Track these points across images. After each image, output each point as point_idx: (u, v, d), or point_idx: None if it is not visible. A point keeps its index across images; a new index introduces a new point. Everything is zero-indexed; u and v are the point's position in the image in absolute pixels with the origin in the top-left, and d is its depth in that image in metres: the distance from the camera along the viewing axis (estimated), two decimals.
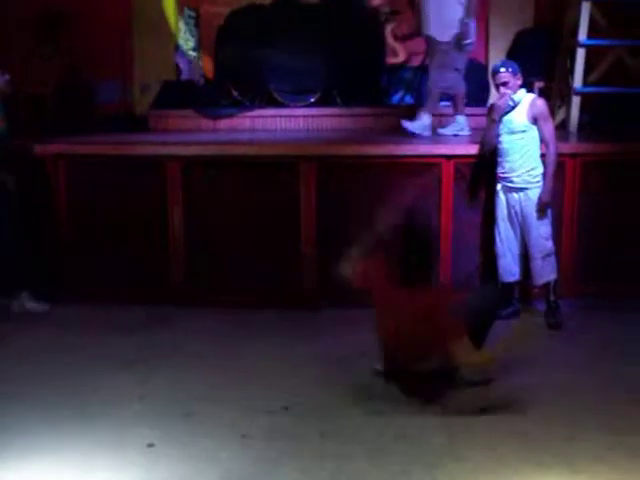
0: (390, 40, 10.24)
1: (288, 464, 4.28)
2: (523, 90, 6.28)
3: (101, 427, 4.72)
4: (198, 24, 10.03)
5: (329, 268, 6.70)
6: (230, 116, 8.64)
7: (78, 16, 8.93)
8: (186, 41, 9.98)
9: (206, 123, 8.69)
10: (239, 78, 8.88)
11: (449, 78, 7.63)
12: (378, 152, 6.91)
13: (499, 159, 6.35)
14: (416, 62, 9.44)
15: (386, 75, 9.45)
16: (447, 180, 6.77)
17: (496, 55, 9.15)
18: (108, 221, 7.08)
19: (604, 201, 6.86)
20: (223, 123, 8.61)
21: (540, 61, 8.64)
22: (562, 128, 8.07)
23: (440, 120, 8.01)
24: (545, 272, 6.38)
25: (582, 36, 7.78)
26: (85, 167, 7.14)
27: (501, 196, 6.39)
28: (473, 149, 6.67)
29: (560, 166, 6.54)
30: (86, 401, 5.08)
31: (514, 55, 8.38)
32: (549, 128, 6.24)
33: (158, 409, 4.95)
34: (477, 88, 8.88)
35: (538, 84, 8.52)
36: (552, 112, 8.17)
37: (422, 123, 7.63)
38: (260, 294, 6.90)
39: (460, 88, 7.74)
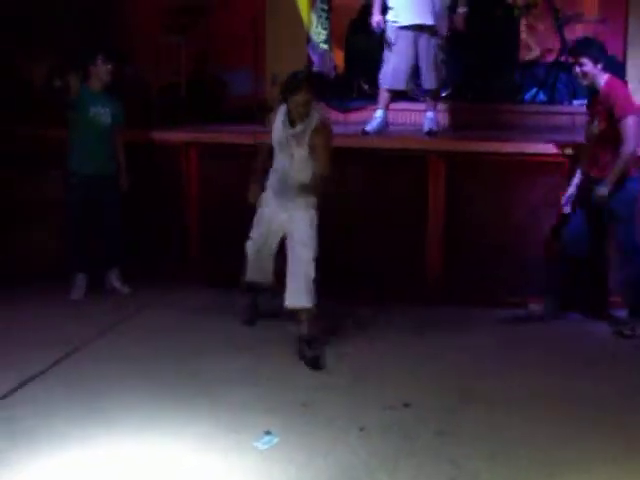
0: (524, 35, 10.01)
1: (404, 461, 4.24)
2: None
3: (220, 409, 4.79)
4: (330, 17, 10.03)
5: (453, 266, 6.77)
6: (360, 109, 8.62)
7: (211, 6, 9.06)
8: (318, 34, 9.97)
9: (336, 115, 8.69)
10: (370, 71, 8.85)
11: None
12: (508, 149, 6.79)
13: None
14: (550, 58, 9.20)
15: (519, 71, 9.26)
16: None
17: (635, 52, 8.83)
18: (235, 208, 7.17)
19: None
20: (353, 116, 8.59)
21: None
22: None
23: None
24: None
25: None
26: (215, 155, 7.28)
27: None
28: None
29: None
30: (207, 383, 5.18)
31: None
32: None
33: (277, 396, 5.00)
34: None
35: None
36: None
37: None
38: (384, 289, 6.87)
39: None
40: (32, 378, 5.20)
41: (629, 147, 5.86)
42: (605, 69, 6.06)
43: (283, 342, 5.84)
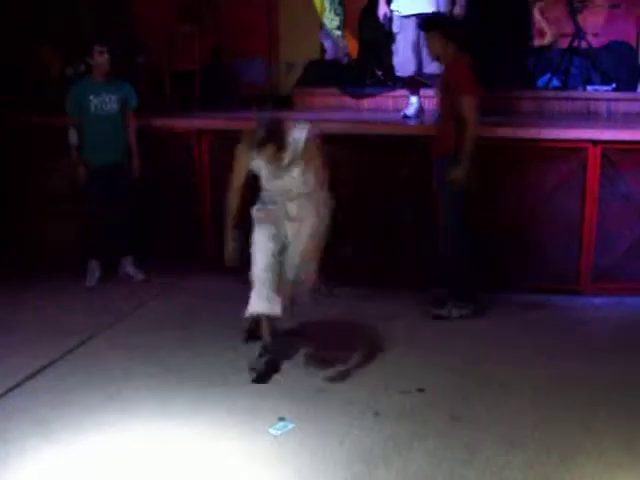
0: (537, 20, 9.94)
1: (419, 446, 4.26)
2: None
3: (235, 396, 4.83)
4: (343, 3, 10.02)
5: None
6: (373, 95, 8.63)
7: None
8: (331, 20, 9.97)
9: (349, 102, 8.69)
10: (383, 58, 8.84)
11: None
12: (521, 135, 6.76)
13: None
14: (564, 44, 9.15)
15: (533, 57, 9.22)
16: (593, 167, 6.56)
17: None
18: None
19: None
20: (366, 102, 8.59)
21: None
22: None
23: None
24: None
25: None
26: (228, 143, 7.27)
27: None
28: (624, 134, 6.45)
29: None
30: (221, 369, 5.21)
31: None
32: None
33: (292, 383, 5.02)
34: (627, 73, 8.58)
35: None
36: None
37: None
38: (392, 275, 6.88)
39: None
40: (47, 366, 5.25)
41: (472, 126, 5.83)
42: (455, 46, 6.01)
43: (296, 331, 5.85)
